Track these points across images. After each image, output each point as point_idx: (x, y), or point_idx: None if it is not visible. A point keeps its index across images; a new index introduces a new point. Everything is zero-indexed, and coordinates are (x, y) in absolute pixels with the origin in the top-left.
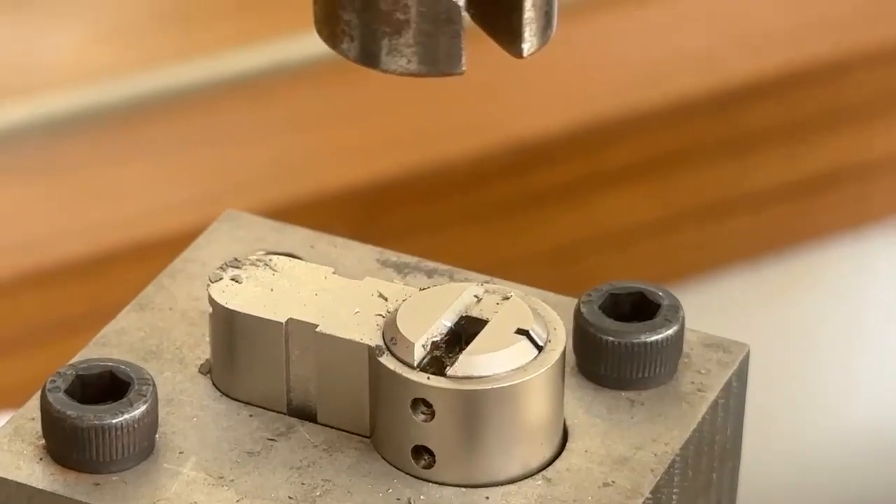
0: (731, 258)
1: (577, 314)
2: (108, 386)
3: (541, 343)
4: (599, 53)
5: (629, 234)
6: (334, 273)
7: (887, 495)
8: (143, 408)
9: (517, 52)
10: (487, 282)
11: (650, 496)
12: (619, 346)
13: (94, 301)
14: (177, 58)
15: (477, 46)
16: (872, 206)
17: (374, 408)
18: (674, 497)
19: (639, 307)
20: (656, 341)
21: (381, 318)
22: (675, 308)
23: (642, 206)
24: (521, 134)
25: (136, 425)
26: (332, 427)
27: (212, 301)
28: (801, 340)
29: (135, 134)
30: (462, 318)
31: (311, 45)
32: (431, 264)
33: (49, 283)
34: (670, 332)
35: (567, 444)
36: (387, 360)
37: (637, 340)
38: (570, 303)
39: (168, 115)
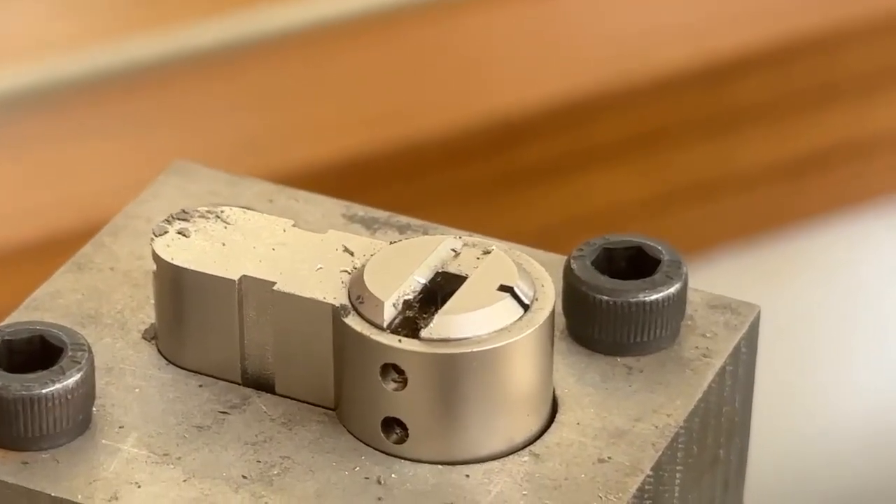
0: (721, 239)
1: (568, 271)
2: (38, 353)
3: (527, 301)
4: (584, 25)
5: (615, 214)
6: (294, 226)
7: (883, 480)
8: (77, 376)
9: None
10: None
11: (651, 473)
12: (614, 306)
13: None
14: (140, 31)
15: (454, 18)
16: (867, 184)
17: (339, 376)
18: (677, 475)
19: (636, 263)
20: (656, 301)
21: (346, 274)
22: (677, 264)
23: (629, 184)
24: (501, 109)
25: (69, 396)
26: (291, 398)
27: (156, 257)
28: (794, 323)
29: (96, 109)
30: (438, 274)
31: (280, 17)
32: (404, 219)
33: (5, 263)
34: (672, 290)
35: (557, 415)
36: (353, 321)
37: (635, 300)
38: (558, 261)
39: (131, 91)
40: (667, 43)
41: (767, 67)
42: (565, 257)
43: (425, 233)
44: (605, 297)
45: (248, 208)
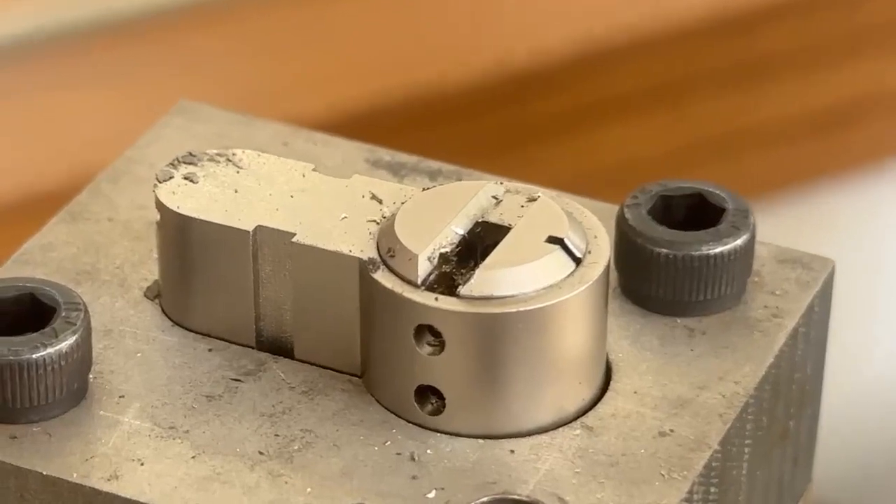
0: (747, 193)
1: (621, 221)
2: (27, 313)
3: (578, 254)
4: None
5: (634, 169)
6: (314, 170)
7: None
8: (72, 340)
9: None
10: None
11: (719, 448)
12: (673, 261)
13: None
14: None
15: None
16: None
17: (367, 339)
18: (746, 450)
19: (697, 212)
20: (721, 254)
21: (374, 224)
22: (744, 213)
23: (649, 137)
24: (514, 59)
25: (63, 362)
26: (312, 364)
27: (160, 206)
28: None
29: (87, 59)
30: (478, 224)
31: None
32: (435, 164)
33: None
34: (739, 242)
35: (611, 383)
36: (382, 277)
37: (697, 253)
38: (609, 210)
39: (125, 40)
40: None
41: (792, 16)
42: (617, 206)
43: (459, 179)
44: (664, 250)
45: (262, 151)
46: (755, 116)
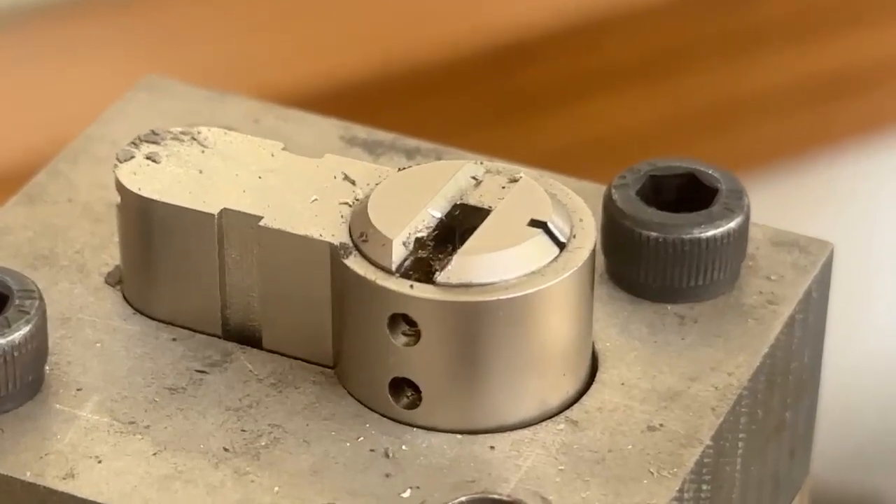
0: (739, 168)
1: (608, 203)
2: None
3: (562, 239)
4: None
5: (626, 141)
6: (284, 149)
7: None
8: (25, 329)
9: None
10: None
11: (711, 444)
12: (663, 244)
13: None
14: None
15: None
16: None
17: (339, 328)
18: (739, 445)
19: (688, 193)
20: (714, 237)
21: (346, 207)
22: (738, 193)
23: (640, 109)
24: (501, 28)
25: (16, 353)
26: (281, 354)
27: (120, 187)
28: None
29: (75, 29)
30: (456, 206)
31: None
32: (412, 141)
33: None
34: (732, 225)
35: (597, 374)
36: (355, 263)
37: (688, 236)
38: (596, 191)
39: (108, 11)
40: None
41: None
42: (604, 186)
43: (438, 158)
44: (654, 234)
45: (230, 129)
46: (747, 87)
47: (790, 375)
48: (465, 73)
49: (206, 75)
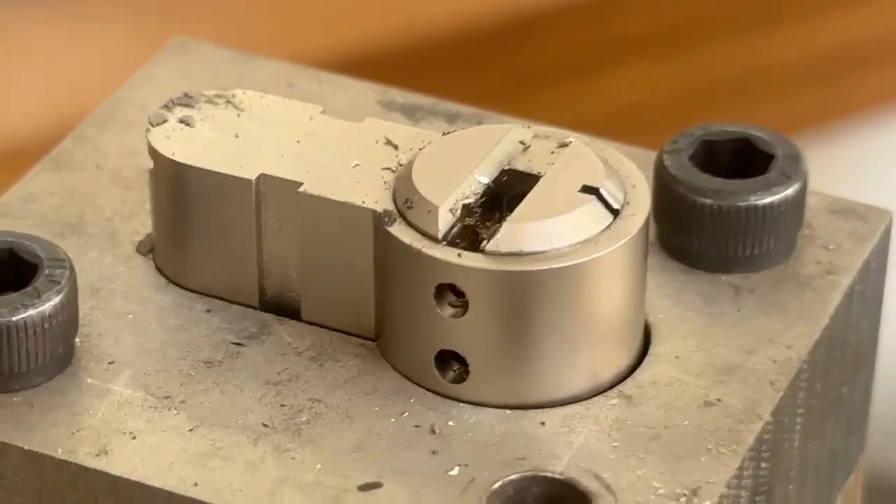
0: None
1: (660, 168)
2: (7, 271)
3: (616, 206)
4: None
5: (639, 115)
6: (323, 113)
7: None
8: (56, 300)
9: None
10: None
11: (770, 420)
12: (718, 212)
13: None
14: None
15: None
16: None
17: (382, 299)
18: (798, 420)
19: (743, 159)
20: (771, 205)
21: (389, 172)
22: (795, 158)
23: (654, 81)
24: (511, 0)
25: (46, 324)
26: (321, 326)
27: (153, 152)
28: None
29: None
30: (504, 172)
31: None
32: (453, 106)
33: None
34: (789, 192)
35: (650, 347)
36: (399, 231)
37: (744, 203)
38: (646, 157)
39: None
40: None
41: None
42: (654, 152)
43: (479, 122)
44: (708, 201)
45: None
46: (767, 58)
47: (848, 348)
48: (475, 47)
49: (230, 38)
